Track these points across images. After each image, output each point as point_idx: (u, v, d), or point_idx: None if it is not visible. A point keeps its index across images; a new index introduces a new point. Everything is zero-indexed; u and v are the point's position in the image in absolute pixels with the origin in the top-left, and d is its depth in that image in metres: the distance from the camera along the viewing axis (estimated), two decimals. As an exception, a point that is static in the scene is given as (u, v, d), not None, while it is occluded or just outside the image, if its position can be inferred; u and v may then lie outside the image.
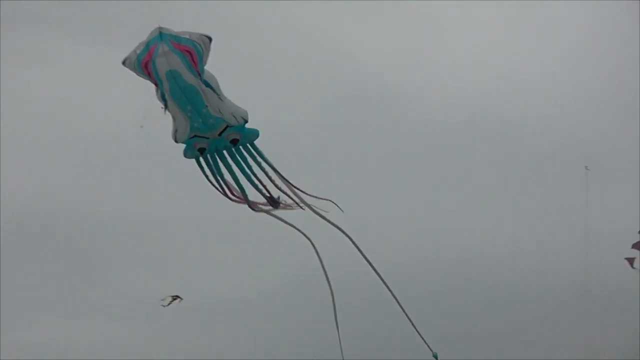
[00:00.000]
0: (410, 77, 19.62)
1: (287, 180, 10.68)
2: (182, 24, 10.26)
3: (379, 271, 10.89)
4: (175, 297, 18.47)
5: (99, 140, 21.97)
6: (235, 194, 10.65)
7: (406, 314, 11.09)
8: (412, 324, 11.03)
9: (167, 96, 9.93)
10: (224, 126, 10.14)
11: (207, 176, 10.58)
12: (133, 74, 10.18)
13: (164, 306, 17.47)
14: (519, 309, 21.85)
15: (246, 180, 10.56)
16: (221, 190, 10.61)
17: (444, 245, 21.09)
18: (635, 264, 12.40)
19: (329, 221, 10.71)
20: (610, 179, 23.84)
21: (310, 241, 10.70)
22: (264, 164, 10.51)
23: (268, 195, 10.66)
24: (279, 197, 10.74)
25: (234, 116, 10.17)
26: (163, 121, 10.34)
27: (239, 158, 10.40)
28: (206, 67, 9.95)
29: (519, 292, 21.94)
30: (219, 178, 10.54)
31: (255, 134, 10.36)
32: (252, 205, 10.67)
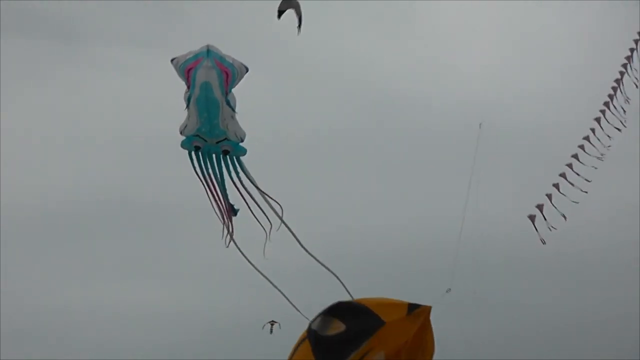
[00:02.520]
0: (427, 86, 20.18)
1: (261, 194, 11.79)
2: (227, 43, 11.51)
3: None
4: (273, 323, 20.50)
5: (164, 135, 24.48)
6: (215, 194, 11.82)
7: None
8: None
9: (192, 99, 11.44)
10: (224, 138, 11.66)
11: (194, 168, 11.88)
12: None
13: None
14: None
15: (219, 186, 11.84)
16: (204, 184, 11.82)
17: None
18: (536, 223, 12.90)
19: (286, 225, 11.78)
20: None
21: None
22: (241, 177, 11.81)
23: (229, 204, 11.86)
24: (237, 209, 11.91)
25: (236, 134, 11.69)
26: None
27: (222, 165, 11.79)
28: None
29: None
30: (204, 174, 11.82)
31: (243, 151, 11.86)
32: (228, 212, 11.90)
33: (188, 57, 11.40)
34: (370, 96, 21.56)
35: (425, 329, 10.76)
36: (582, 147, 13.79)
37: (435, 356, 10.84)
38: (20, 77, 28.00)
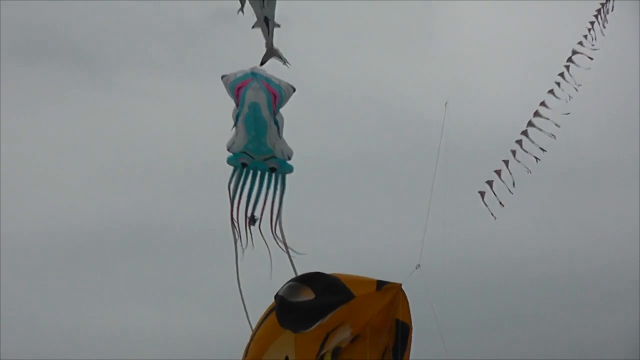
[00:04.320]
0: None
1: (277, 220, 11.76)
2: (249, 66, 11.40)
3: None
4: None
5: (194, 160, 24.59)
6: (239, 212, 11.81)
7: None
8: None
9: (240, 118, 11.63)
10: (271, 155, 11.84)
11: (231, 184, 11.89)
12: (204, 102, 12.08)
13: None
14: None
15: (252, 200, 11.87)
16: (233, 200, 11.82)
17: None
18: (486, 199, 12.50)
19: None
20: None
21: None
22: (277, 195, 11.85)
23: (251, 215, 11.89)
24: (256, 219, 11.89)
25: (282, 152, 11.89)
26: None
27: (264, 182, 11.87)
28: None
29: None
30: (242, 190, 11.89)
31: (290, 169, 12.03)
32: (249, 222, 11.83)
33: (238, 75, 11.63)
34: (390, 118, 21.54)
35: (393, 308, 10.83)
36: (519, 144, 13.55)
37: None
38: (40, 103, 28.33)
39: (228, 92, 11.72)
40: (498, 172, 12.93)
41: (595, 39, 14.39)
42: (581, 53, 14.18)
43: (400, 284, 10.89)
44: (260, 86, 11.44)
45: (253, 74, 11.57)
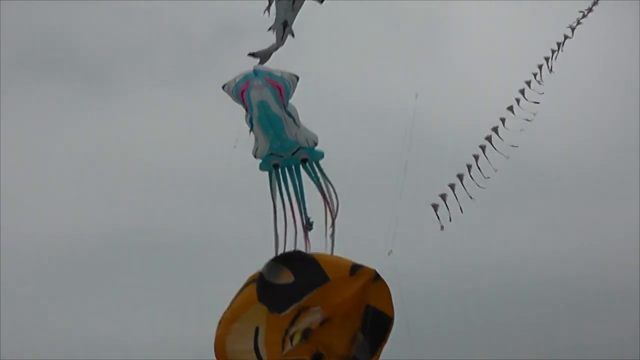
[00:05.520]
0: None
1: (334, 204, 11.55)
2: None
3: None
4: None
5: (193, 170, 24.98)
6: (293, 215, 11.54)
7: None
8: None
9: (254, 121, 11.42)
10: (297, 147, 11.65)
11: (272, 190, 11.63)
12: (212, 116, 11.91)
13: None
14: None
15: (300, 200, 11.59)
16: (280, 205, 11.53)
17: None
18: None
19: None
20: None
21: None
22: (322, 182, 11.64)
23: (307, 218, 11.60)
24: (312, 222, 11.65)
25: (307, 140, 11.68)
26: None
27: (301, 176, 11.62)
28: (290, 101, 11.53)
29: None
30: (283, 192, 11.60)
31: (321, 155, 11.81)
32: (305, 227, 11.54)
33: (238, 79, 11.40)
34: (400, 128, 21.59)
35: (365, 293, 10.73)
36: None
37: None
38: (47, 115, 28.65)
39: (234, 100, 11.53)
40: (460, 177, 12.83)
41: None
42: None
43: (374, 270, 10.79)
44: (263, 82, 11.17)
45: (254, 72, 11.30)
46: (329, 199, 11.70)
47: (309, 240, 11.65)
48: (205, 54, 28.14)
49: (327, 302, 10.62)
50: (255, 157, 11.76)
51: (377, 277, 10.87)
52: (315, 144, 11.76)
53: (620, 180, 26.54)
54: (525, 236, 25.67)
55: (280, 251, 11.42)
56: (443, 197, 12.51)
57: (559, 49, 14.13)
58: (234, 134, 11.76)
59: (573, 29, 14.47)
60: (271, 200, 11.76)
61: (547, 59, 14.04)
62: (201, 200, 24.63)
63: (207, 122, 25.25)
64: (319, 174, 11.76)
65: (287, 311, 10.46)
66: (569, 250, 25.47)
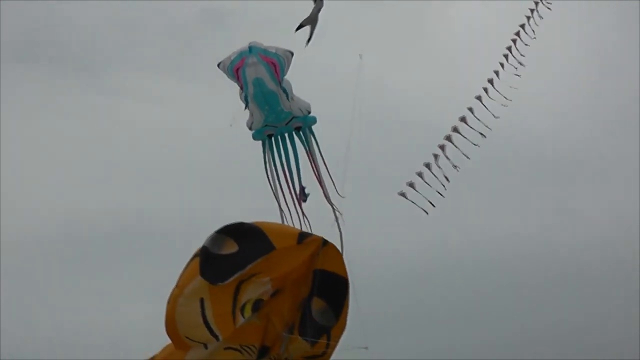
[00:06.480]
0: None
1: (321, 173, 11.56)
2: None
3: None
4: None
5: (189, 158, 25.38)
6: (286, 186, 11.53)
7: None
8: None
9: (249, 98, 11.50)
10: (291, 117, 11.76)
11: (266, 159, 11.68)
12: (206, 104, 11.93)
13: None
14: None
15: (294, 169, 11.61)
16: (275, 176, 11.59)
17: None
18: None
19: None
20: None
21: None
22: (313, 149, 11.68)
23: (303, 188, 11.61)
24: (308, 193, 11.64)
25: (301, 109, 11.81)
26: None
27: (294, 143, 11.64)
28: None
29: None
30: (277, 161, 11.66)
31: (314, 120, 11.94)
32: (299, 197, 11.52)
33: (233, 57, 11.45)
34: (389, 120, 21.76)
35: (314, 261, 10.64)
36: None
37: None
38: (33, 104, 28.74)
39: (229, 77, 11.60)
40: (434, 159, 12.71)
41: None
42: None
43: (322, 237, 10.75)
44: (258, 59, 11.21)
45: (249, 48, 11.31)
46: (318, 168, 11.75)
47: (304, 213, 11.60)
48: (189, 38, 28.25)
49: (275, 272, 10.54)
50: (250, 129, 11.85)
51: (325, 242, 10.86)
52: (309, 112, 11.88)
53: (598, 158, 26.87)
54: (500, 216, 25.93)
55: (287, 223, 11.44)
56: (412, 185, 12.50)
57: (532, 14, 14.17)
58: (222, 117, 11.86)
59: None
60: (265, 173, 11.82)
61: (522, 26, 14.06)
62: (192, 184, 25.05)
63: (195, 106, 25.56)
64: (311, 140, 11.84)
65: (229, 280, 10.37)
66: (540, 229, 26.07)
